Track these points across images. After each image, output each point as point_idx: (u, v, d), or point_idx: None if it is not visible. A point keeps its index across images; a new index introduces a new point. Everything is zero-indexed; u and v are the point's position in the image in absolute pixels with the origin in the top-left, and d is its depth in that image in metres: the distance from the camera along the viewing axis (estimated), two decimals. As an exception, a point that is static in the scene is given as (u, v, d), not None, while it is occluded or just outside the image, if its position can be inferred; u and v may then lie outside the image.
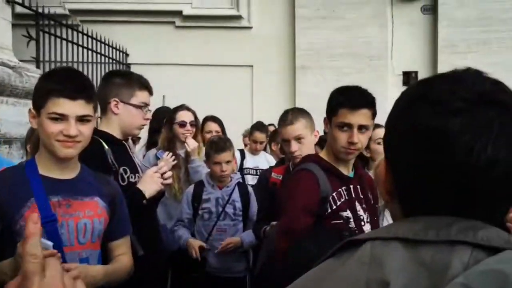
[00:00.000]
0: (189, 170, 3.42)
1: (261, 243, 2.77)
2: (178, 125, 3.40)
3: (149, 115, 2.35)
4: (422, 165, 0.69)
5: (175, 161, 3.40)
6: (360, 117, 1.87)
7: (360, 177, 2.03)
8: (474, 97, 0.69)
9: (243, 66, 7.84)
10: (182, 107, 3.50)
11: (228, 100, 7.74)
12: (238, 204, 3.13)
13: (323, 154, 2.00)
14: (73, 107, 1.59)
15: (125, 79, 2.26)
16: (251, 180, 4.21)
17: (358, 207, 1.95)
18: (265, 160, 4.37)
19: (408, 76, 7.52)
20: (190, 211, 3.13)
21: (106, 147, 2.05)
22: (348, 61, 7.46)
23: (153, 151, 3.51)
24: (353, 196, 1.95)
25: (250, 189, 3.26)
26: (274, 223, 2.41)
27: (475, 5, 7.12)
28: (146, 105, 2.26)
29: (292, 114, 2.51)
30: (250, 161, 4.28)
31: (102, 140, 2.05)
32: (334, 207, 1.87)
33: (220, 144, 3.11)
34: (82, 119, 1.61)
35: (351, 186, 1.96)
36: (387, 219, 2.23)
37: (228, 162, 3.06)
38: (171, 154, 3.39)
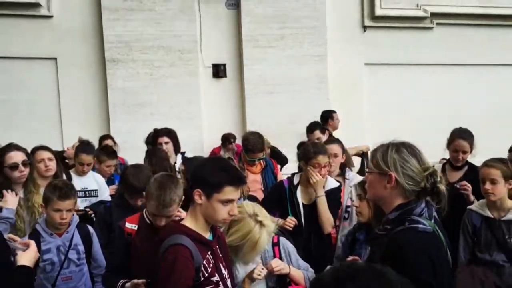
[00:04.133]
0: None
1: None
2: (9, 168, 3.09)
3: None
4: None
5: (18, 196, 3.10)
6: (240, 191, 2.07)
7: (218, 237, 2.23)
8: None
9: (46, 59, 7.18)
10: (11, 147, 3.17)
11: (30, 98, 7.05)
12: (81, 248, 3.04)
13: (189, 223, 2.11)
14: None
15: None
16: (80, 202, 4.05)
17: (221, 266, 2.17)
18: (93, 181, 4.23)
19: (217, 68, 7.90)
20: (27, 263, 2.92)
21: None
22: (160, 54, 7.46)
23: None
24: (217, 257, 2.14)
25: (91, 229, 3.18)
26: (136, 281, 2.43)
27: (273, 3, 7.77)
28: None
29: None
30: (78, 183, 4.08)
31: None
32: (206, 274, 2.05)
33: (64, 190, 2.94)
34: None
35: (214, 248, 2.14)
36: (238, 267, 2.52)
37: (69, 210, 2.94)
38: (10, 190, 3.06)
